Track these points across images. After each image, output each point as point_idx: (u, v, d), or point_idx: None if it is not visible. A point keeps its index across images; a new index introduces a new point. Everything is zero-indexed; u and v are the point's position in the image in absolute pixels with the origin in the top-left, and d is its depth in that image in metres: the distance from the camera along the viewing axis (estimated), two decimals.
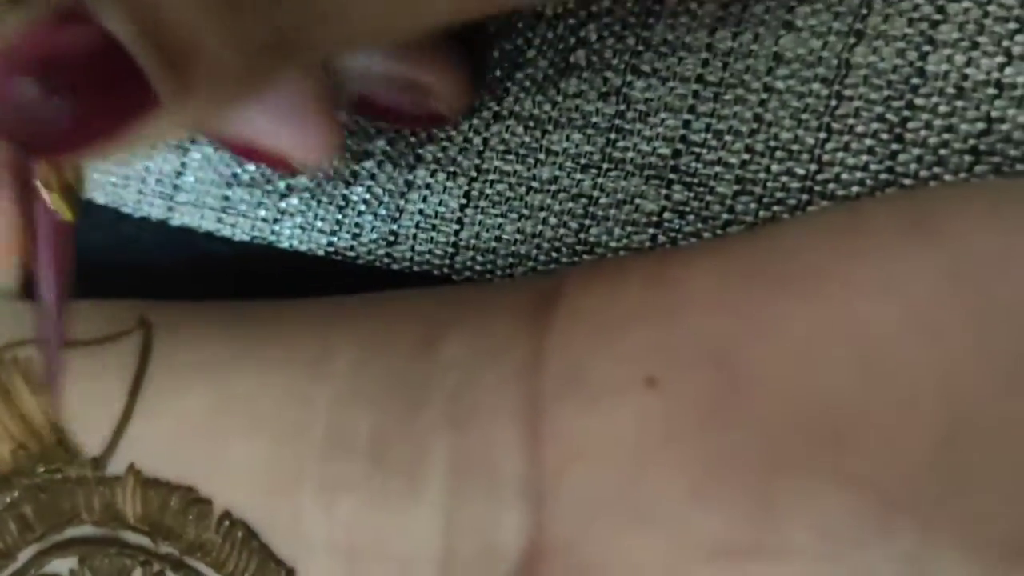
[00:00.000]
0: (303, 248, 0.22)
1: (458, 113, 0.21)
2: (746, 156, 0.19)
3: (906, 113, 0.18)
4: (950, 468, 0.15)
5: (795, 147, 0.19)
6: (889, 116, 0.18)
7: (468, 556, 0.17)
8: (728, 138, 0.19)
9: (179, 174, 0.23)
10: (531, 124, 0.21)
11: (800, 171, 0.19)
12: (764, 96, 0.19)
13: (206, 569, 0.18)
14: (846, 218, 0.17)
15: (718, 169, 0.19)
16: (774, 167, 0.19)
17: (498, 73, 0.21)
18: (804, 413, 0.15)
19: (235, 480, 0.18)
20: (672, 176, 0.20)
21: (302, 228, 0.22)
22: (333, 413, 0.18)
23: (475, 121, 0.21)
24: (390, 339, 0.19)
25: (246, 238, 0.23)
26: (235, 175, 0.23)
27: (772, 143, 0.19)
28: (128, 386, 0.20)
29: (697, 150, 0.20)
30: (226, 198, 0.23)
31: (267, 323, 0.20)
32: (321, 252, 0.22)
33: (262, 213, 0.22)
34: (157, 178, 0.23)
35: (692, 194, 0.20)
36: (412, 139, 0.22)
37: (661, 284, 0.17)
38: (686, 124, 0.20)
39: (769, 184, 0.19)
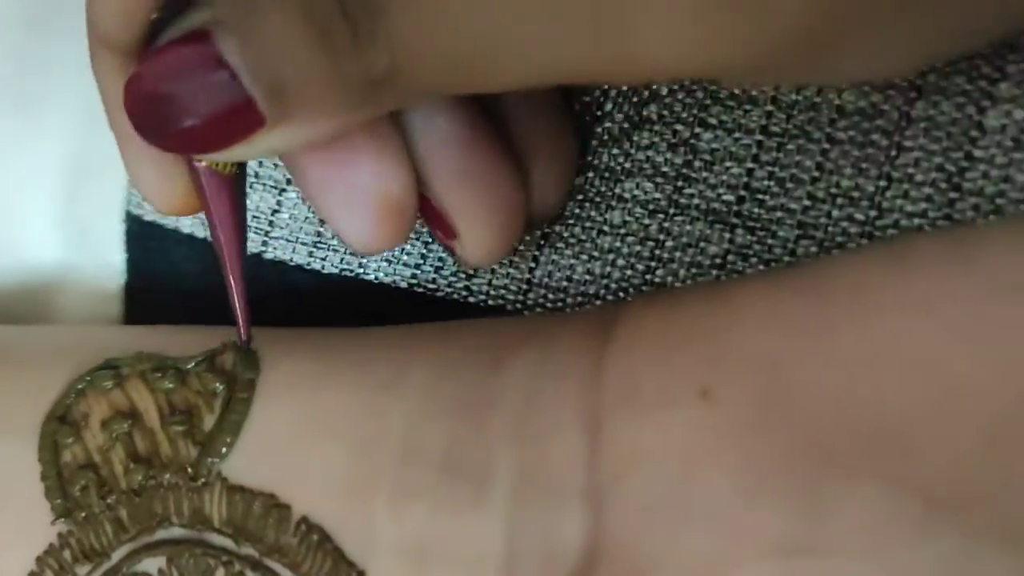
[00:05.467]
0: (387, 280, 0.24)
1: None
2: (808, 202, 0.20)
3: (964, 164, 0.19)
4: (992, 468, 0.15)
5: (855, 194, 0.20)
6: (948, 166, 0.19)
7: (530, 558, 0.18)
8: (790, 185, 0.20)
9: (275, 211, 0.25)
10: (606, 175, 0.22)
11: (860, 216, 0.20)
12: (826, 146, 0.20)
13: (283, 570, 0.20)
14: (892, 247, 0.18)
15: (780, 214, 0.20)
16: (835, 213, 0.20)
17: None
18: (850, 418, 0.16)
19: (313, 488, 0.20)
20: (735, 221, 0.21)
21: (388, 261, 0.24)
22: (407, 427, 0.20)
23: None
24: (461, 361, 0.20)
25: (335, 271, 0.24)
26: None
27: (833, 190, 0.20)
28: (221, 400, 0.21)
29: (760, 196, 0.21)
30: (319, 234, 0.24)
31: (348, 346, 0.22)
32: (404, 284, 0.24)
33: None
34: (254, 215, 0.25)
35: (754, 238, 0.21)
36: None
37: (716, 305, 0.18)
38: (750, 172, 0.21)
39: (830, 229, 0.20)
